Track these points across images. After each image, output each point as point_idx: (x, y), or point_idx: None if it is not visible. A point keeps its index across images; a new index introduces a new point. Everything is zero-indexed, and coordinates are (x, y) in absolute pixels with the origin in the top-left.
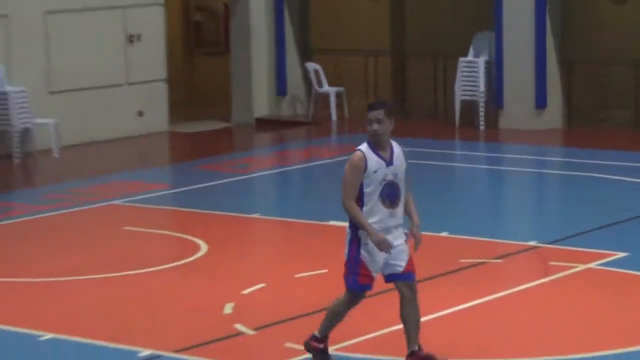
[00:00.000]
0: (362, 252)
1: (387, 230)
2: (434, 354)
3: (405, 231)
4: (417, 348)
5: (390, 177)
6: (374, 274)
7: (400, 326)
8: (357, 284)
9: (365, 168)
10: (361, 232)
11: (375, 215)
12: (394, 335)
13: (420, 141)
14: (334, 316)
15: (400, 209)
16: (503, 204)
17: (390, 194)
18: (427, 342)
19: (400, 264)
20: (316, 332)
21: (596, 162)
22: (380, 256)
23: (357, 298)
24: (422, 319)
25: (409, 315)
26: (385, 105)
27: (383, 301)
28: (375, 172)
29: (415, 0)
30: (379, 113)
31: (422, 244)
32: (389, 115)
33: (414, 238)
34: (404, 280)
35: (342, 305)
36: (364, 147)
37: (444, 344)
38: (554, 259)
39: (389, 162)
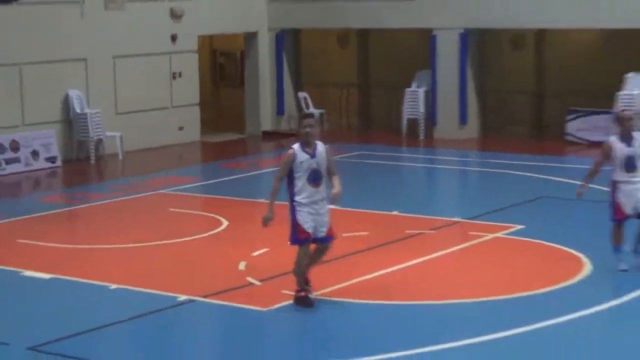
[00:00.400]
0: (298, 216)
1: (315, 202)
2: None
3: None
4: (306, 284)
5: (314, 166)
6: (309, 231)
7: (366, 277)
8: (298, 239)
9: (294, 160)
10: (295, 202)
11: (304, 192)
12: (364, 284)
13: (378, 146)
14: (299, 270)
15: (322, 188)
16: (436, 191)
17: (314, 178)
18: (385, 289)
19: (323, 230)
20: (297, 288)
21: (503, 162)
22: (310, 220)
23: (303, 250)
24: (381, 273)
25: (313, 261)
26: (314, 116)
27: (353, 262)
28: (302, 162)
29: (374, 48)
30: (312, 121)
31: (377, 218)
32: (316, 123)
33: (332, 198)
34: (322, 242)
35: (298, 260)
36: (295, 146)
37: (394, 290)
38: (472, 230)
39: (313, 156)
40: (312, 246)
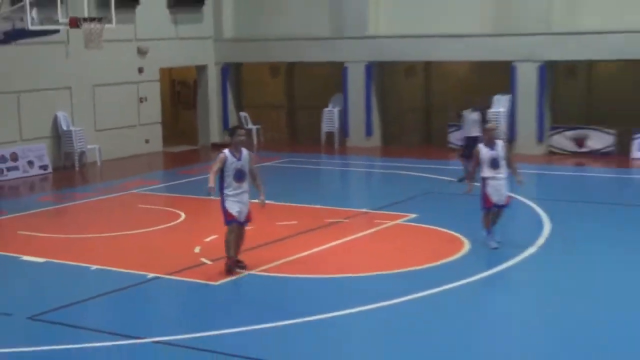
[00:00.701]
0: (227, 204)
1: (239, 194)
2: (241, 262)
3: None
4: (234, 255)
5: (239, 167)
6: (236, 215)
7: (296, 256)
8: (228, 221)
9: (225, 161)
10: (225, 194)
11: (231, 186)
12: (294, 261)
13: (303, 154)
14: (227, 245)
15: (245, 184)
16: (348, 188)
17: (239, 176)
18: (311, 265)
19: (244, 214)
20: (227, 259)
21: (399, 164)
22: (236, 207)
23: (232, 230)
24: (307, 253)
25: (237, 239)
26: (245, 128)
27: (285, 244)
28: (231, 164)
29: (299, 77)
30: (243, 132)
31: (303, 210)
32: (246, 134)
33: (260, 202)
34: (242, 224)
35: (227, 236)
36: (226, 151)
37: (318, 265)
38: (377, 218)
39: (239, 159)
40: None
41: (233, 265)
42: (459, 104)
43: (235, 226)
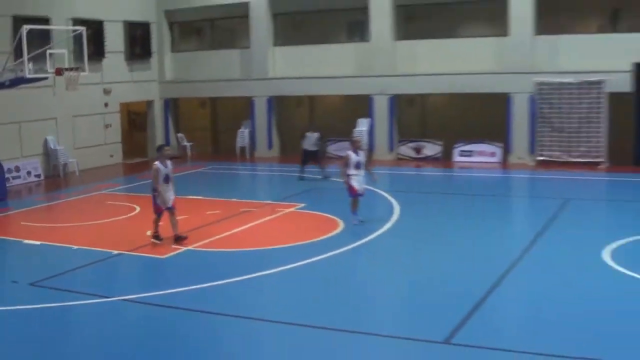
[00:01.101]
0: (157, 200)
1: (165, 191)
2: (183, 236)
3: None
4: (178, 233)
5: (166, 173)
6: (162, 207)
7: (219, 236)
8: (157, 212)
9: (159, 170)
10: (155, 193)
11: (161, 187)
12: (218, 240)
13: (223, 163)
14: (155, 224)
15: (171, 184)
16: (256, 186)
17: (166, 179)
18: (230, 242)
19: (171, 203)
20: (154, 232)
21: (293, 169)
22: (163, 201)
23: (158, 217)
24: (229, 233)
25: (173, 221)
26: (170, 146)
27: (211, 228)
28: (162, 171)
29: (221, 108)
30: (169, 148)
31: (224, 203)
32: (172, 150)
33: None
34: (171, 209)
35: (155, 220)
36: (157, 162)
37: (236, 241)
38: (277, 208)
39: (166, 167)
40: (166, 215)
41: (157, 237)
42: (334, 127)
43: (164, 212)
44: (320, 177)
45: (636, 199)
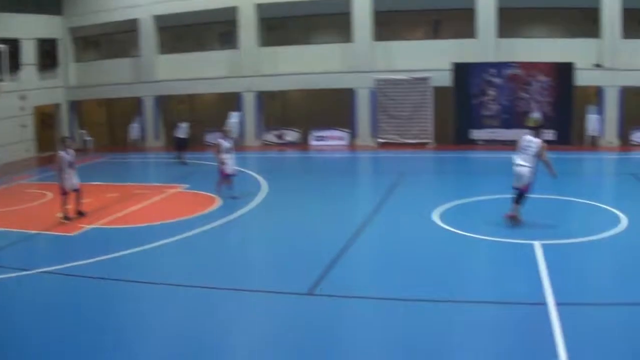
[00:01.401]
0: (64, 183)
1: (70, 177)
2: (84, 212)
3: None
4: (80, 209)
5: (70, 159)
6: (68, 189)
7: (119, 214)
8: (63, 193)
9: (64, 158)
10: (61, 178)
11: (66, 173)
12: (119, 218)
13: (118, 154)
14: (63, 206)
15: (73, 170)
16: (147, 171)
17: (70, 165)
18: (129, 220)
19: (77, 186)
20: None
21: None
22: (69, 184)
23: (65, 197)
24: (126, 212)
25: (79, 200)
26: (72, 137)
27: (112, 207)
28: (65, 158)
29: (115, 108)
30: (70, 140)
31: (121, 187)
32: (72, 141)
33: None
34: (77, 191)
35: (62, 201)
36: (62, 152)
37: (132, 219)
38: (164, 189)
39: (69, 155)
40: (73, 195)
41: (67, 218)
42: (210, 119)
43: (70, 193)
44: (177, 159)
45: (457, 170)
